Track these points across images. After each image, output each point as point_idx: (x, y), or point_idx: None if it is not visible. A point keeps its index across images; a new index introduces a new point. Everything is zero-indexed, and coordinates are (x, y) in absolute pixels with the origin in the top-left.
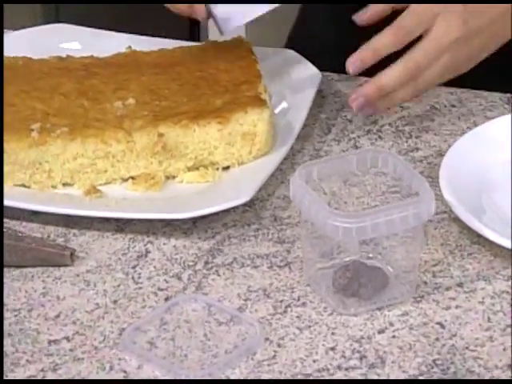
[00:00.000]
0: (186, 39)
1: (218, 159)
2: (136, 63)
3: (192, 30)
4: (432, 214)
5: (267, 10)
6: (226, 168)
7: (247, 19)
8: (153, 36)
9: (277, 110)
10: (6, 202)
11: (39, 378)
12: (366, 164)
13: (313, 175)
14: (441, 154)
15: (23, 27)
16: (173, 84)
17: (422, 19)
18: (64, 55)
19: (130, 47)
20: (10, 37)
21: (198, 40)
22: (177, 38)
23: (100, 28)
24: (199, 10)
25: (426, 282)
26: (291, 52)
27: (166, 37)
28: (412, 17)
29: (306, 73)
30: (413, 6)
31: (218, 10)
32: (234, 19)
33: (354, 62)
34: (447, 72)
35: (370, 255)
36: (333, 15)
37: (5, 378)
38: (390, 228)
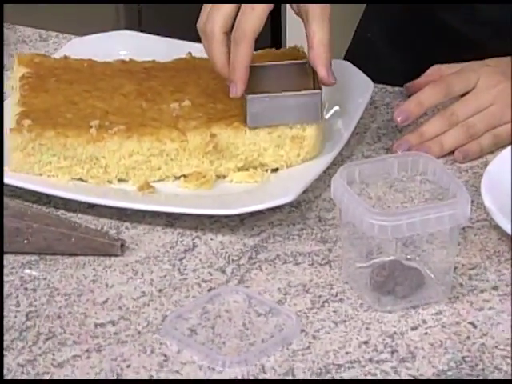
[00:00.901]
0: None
1: (267, 161)
2: (195, 68)
3: (274, 38)
4: (468, 216)
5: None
6: (275, 170)
7: (275, 122)
8: None
9: (328, 115)
10: (64, 195)
11: (83, 358)
12: (407, 167)
13: (355, 176)
14: (486, 165)
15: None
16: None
17: (469, 81)
18: (127, 59)
19: (190, 53)
20: (76, 41)
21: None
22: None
23: (168, 36)
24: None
25: (461, 284)
26: (346, 62)
27: None
28: (460, 77)
29: (360, 82)
30: (463, 69)
31: (252, 103)
32: (262, 119)
33: (400, 114)
34: (496, 121)
35: (409, 256)
36: (389, 37)
37: (51, 357)
38: (426, 227)
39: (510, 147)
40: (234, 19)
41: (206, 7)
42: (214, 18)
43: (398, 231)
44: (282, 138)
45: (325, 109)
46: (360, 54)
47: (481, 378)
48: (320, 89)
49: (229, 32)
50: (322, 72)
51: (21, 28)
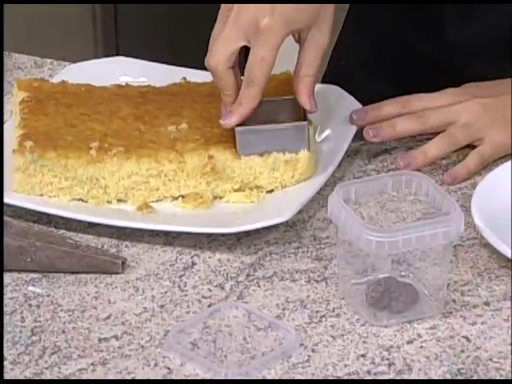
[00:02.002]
0: None
1: (263, 183)
2: (189, 92)
3: None
4: (461, 232)
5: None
6: (270, 190)
7: (264, 151)
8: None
9: (320, 139)
10: (66, 214)
11: (89, 371)
12: (401, 186)
13: (350, 194)
14: (474, 186)
15: (85, 59)
16: None
17: (473, 133)
18: (123, 83)
19: (184, 78)
20: (72, 67)
21: None
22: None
23: (156, 61)
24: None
25: (454, 300)
26: (336, 87)
27: None
28: (464, 129)
29: (350, 107)
30: (469, 122)
31: (241, 134)
32: (251, 148)
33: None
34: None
35: (403, 273)
36: (363, 65)
37: (57, 370)
38: (421, 244)
39: (495, 170)
40: (240, 50)
41: (213, 42)
42: (220, 54)
43: (395, 247)
44: (276, 162)
45: (317, 132)
46: (335, 81)
47: None
48: (307, 120)
49: (235, 65)
50: (303, 100)
51: (16, 55)
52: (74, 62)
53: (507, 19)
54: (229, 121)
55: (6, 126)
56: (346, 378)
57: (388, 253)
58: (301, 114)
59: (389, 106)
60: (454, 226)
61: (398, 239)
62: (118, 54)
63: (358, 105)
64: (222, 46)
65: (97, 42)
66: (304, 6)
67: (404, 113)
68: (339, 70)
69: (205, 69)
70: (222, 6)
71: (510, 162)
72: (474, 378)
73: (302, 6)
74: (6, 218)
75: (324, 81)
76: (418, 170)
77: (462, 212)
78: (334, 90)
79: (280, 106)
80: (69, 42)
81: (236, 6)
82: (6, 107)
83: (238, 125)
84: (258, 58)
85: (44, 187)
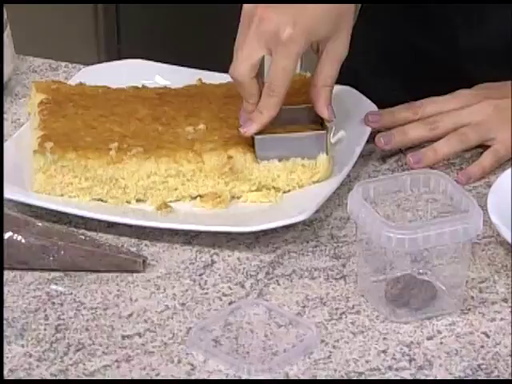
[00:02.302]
0: None
1: (281, 185)
2: (206, 94)
3: None
4: (480, 230)
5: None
6: (287, 190)
7: (282, 157)
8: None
9: (335, 140)
10: (87, 214)
11: (113, 367)
12: (419, 184)
13: (369, 192)
14: (489, 185)
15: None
16: None
17: (484, 133)
18: (139, 85)
19: (200, 80)
20: (89, 69)
21: None
22: None
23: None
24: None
25: (472, 297)
26: (351, 89)
27: None
28: (475, 129)
29: (365, 109)
30: (481, 122)
31: (260, 143)
32: (270, 155)
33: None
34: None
35: (421, 271)
36: (373, 67)
37: (82, 367)
38: (440, 241)
39: (508, 170)
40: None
41: (236, 52)
42: (243, 65)
43: (415, 244)
44: (294, 165)
45: (331, 132)
46: (344, 82)
47: None
48: (325, 128)
49: (257, 73)
50: (321, 109)
51: (31, 58)
52: (78, 63)
53: None
54: (249, 129)
55: (23, 128)
56: (367, 373)
57: (408, 250)
58: (318, 122)
59: (402, 111)
60: (473, 224)
61: (418, 236)
62: (119, 55)
63: (373, 107)
64: (245, 57)
65: (99, 44)
66: (325, 17)
67: (417, 118)
68: (349, 71)
69: (218, 70)
70: (244, 14)
71: None
72: (494, 373)
73: (322, 18)
74: (28, 218)
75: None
76: (433, 169)
77: (480, 209)
78: (349, 92)
79: (298, 114)
80: (70, 43)
81: (257, 15)
82: (22, 110)
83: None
84: (280, 68)
85: (64, 187)
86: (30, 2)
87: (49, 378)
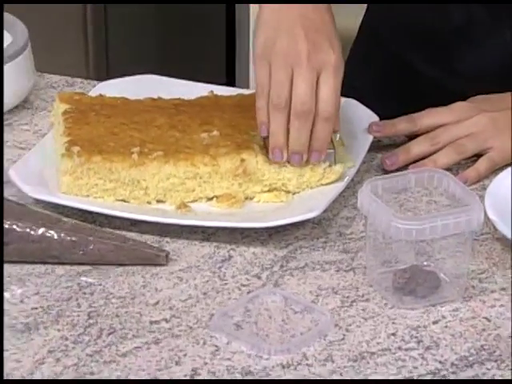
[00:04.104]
0: None
1: (291, 188)
2: (217, 104)
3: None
4: (481, 222)
5: None
6: (298, 192)
7: None
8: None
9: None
10: (113, 213)
11: (144, 349)
12: (423, 182)
13: (377, 189)
14: (484, 188)
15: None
16: (252, 122)
17: (481, 143)
18: (155, 97)
19: (212, 91)
20: (105, 84)
21: None
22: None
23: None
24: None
25: (473, 286)
26: (354, 101)
27: None
28: (472, 139)
29: (367, 118)
30: (477, 133)
31: None
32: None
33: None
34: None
35: (425, 263)
36: (374, 88)
37: (115, 348)
38: (445, 231)
39: (506, 170)
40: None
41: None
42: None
43: (422, 234)
44: (304, 169)
45: (337, 139)
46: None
47: (498, 362)
48: (334, 148)
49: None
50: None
51: (48, 75)
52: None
53: (510, 47)
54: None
55: (46, 137)
56: (379, 353)
57: (416, 239)
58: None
59: (403, 122)
60: (476, 216)
61: (426, 227)
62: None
63: (374, 116)
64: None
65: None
66: None
67: (417, 129)
68: (352, 91)
69: (225, 84)
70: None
71: None
72: (496, 352)
73: None
74: (59, 216)
75: None
76: None
77: (481, 203)
78: (353, 104)
79: None
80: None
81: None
82: (43, 121)
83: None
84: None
85: (90, 189)
86: (29, 2)
87: (85, 358)
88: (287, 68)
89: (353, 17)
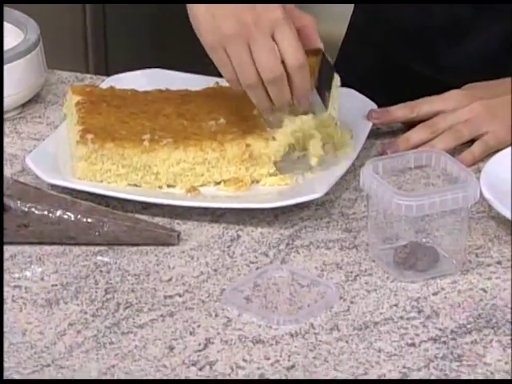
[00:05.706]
0: None
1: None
2: (223, 94)
3: None
4: (477, 197)
5: None
6: (301, 174)
7: None
8: None
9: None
10: (126, 196)
11: (159, 321)
12: (422, 161)
13: (378, 168)
14: (479, 171)
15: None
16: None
17: (476, 128)
18: (163, 88)
19: (217, 83)
20: (114, 78)
21: None
22: None
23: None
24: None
25: (470, 261)
26: (353, 90)
27: None
28: (468, 125)
29: (366, 106)
30: (472, 118)
31: None
32: None
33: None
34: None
35: (424, 240)
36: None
37: (132, 321)
38: (443, 206)
39: (501, 152)
40: None
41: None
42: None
43: (421, 210)
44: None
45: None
46: None
47: (495, 329)
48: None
49: None
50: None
51: (58, 72)
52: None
53: (493, 43)
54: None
55: (61, 126)
56: (382, 322)
57: (416, 215)
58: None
59: (401, 109)
60: (472, 192)
61: (425, 202)
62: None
63: (371, 103)
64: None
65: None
66: None
67: (414, 117)
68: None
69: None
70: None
71: None
72: (493, 320)
73: None
74: (75, 199)
75: None
76: None
77: (477, 180)
78: (352, 93)
79: None
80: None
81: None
82: (55, 114)
83: None
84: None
85: (103, 174)
86: (29, 2)
87: (104, 330)
88: (243, 45)
89: (340, 18)
